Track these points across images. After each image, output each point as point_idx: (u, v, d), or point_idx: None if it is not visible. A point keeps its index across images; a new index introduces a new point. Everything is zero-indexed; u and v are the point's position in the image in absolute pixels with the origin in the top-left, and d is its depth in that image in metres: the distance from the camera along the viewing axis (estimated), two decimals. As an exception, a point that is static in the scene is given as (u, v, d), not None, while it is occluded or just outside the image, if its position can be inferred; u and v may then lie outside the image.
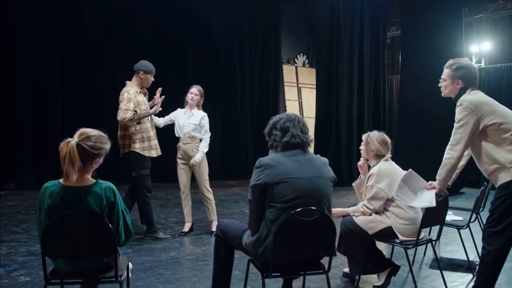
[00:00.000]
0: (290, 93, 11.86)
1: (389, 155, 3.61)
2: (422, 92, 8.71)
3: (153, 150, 4.85)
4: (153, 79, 4.90)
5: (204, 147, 5.06)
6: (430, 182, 3.30)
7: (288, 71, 11.93)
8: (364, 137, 3.70)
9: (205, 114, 5.12)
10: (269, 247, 2.54)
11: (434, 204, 3.19)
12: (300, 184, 2.56)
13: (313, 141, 9.83)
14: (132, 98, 4.61)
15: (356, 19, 9.77)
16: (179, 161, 5.12)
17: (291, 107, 11.71)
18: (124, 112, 4.54)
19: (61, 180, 2.39)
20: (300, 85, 12.07)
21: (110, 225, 2.36)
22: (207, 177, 5.14)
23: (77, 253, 2.39)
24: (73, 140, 2.35)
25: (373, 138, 3.62)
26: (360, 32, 9.86)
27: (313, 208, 2.54)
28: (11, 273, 3.80)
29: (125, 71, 8.93)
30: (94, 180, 2.43)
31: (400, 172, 3.54)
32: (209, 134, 5.12)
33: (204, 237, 5.06)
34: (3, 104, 7.83)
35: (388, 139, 3.64)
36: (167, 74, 9.30)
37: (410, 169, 3.38)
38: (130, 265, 3.46)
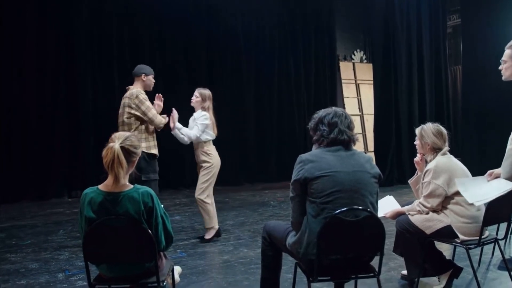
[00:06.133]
0: (348, 90, 11.59)
1: (446, 148, 3.34)
2: (487, 84, 8.14)
3: (155, 148, 4.59)
4: (154, 81, 4.69)
5: (185, 130, 4.75)
6: (488, 172, 3.06)
7: (345, 68, 11.68)
8: (417, 130, 3.46)
9: (203, 114, 4.77)
10: (311, 245, 2.43)
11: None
12: (340, 178, 2.44)
13: (373, 137, 9.63)
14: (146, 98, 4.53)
15: (412, 10, 9.37)
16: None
17: (350, 104, 11.45)
18: (155, 116, 4.46)
19: (99, 186, 2.42)
20: (358, 82, 11.77)
21: (149, 230, 2.34)
22: (205, 183, 4.80)
23: (118, 259, 2.39)
24: (115, 144, 2.37)
25: (427, 130, 3.38)
26: (418, 23, 9.46)
27: (359, 208, 2.41)
28: (70, 277, 3.92)
29: (186, 88, 9.16)
30: (132, 186, 2.43)
31: (460, 167, 3.29)
32: (197, 128, 4.70)
33: (259, 240, 4.98)
34: (68, 116, 8.31)
35: (444, 130, 3.39)
36: (221, 75, 9.43)
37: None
38: (179, 269, 3.46)
